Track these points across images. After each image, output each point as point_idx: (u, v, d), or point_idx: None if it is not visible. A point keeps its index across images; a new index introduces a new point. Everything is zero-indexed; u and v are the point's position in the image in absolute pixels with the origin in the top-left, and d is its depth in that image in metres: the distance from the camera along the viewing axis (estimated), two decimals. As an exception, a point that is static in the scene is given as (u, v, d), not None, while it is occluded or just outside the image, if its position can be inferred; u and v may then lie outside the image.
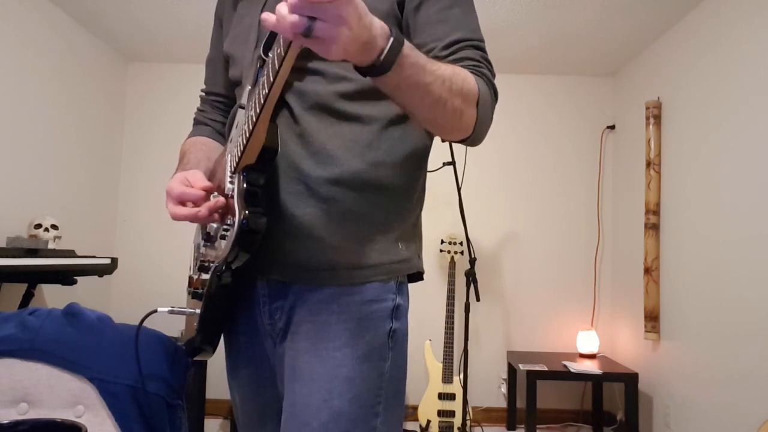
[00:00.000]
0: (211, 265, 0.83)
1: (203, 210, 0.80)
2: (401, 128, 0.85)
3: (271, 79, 0.70)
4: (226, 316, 0.91)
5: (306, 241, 0.81)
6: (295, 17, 0.54)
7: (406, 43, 0.65)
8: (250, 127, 0.76)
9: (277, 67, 0.67)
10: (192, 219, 0.80)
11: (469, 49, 0.82)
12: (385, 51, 0.62)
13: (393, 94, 0.70)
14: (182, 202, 0.82)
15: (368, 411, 0.80)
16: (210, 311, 0.86)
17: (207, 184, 0.84)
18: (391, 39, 0.63)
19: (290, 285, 0.83)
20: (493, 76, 0.82)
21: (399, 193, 0.84)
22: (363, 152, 0.81)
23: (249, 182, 0.78)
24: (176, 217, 0.81)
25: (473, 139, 0.79)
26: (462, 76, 0.73)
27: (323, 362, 0.79)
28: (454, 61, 0.78)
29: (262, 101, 0.73)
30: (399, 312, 0.86)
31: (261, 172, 0.79)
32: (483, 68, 0.81)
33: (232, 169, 0.82)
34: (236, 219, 0.75)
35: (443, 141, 0.88)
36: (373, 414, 0.80)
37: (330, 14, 0.54)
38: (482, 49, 0.84)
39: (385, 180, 0.82)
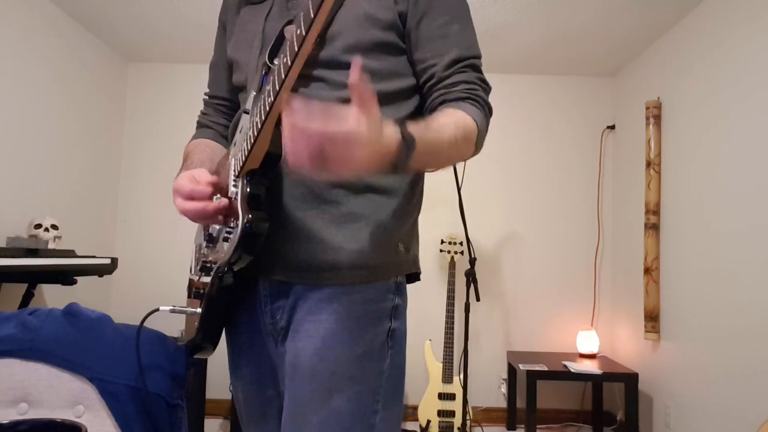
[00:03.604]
0: (213, 266, 0.85)
1: (211, 206, 0.81)
2: None
3: (277, 88, 0.71)
4: (227, 315, 0.93)
5: (308, 242, 0.82)
6: (308, 157, 0.57)
7: (416, 133, 0.67)
8: (255, 133, 0.77)
9: (283, 76, 0.69)
10: (199, 212, 0.82)
11: (467, 71, 0.86)
12: (401, 159, 0.65)
13: (410, 170, 0.74)
14: (191, 198, 0.83)
15: (367, 409, 0.81)
16: (211, 310, 0.88)
17: (212, 178, 0.85)
18: (402, 145, 0.65)
19: (292, 285, 0.85)
20: (488, 93, 0.87)
21: (399, 195, 0.87)
22: None
23: (252, 186, 0.80)
24: (184, 211, 0.82)
25: (473, 156, 0.85)
26: (463, 124, 0.78)
27: (323, 360, 0.81)
28: (451, 85, 0.84)
29: (267, 108, 0.74)
30: (398, 312, 0.87)
31: (264, 176, 0.81)
32: (478, 90, 0.85)
33: (236, 173, 0.83)
34: (240, 222, 0.76)
35: None
36: (372, 412, 0.82)
37: (340, 148, 0.57)
38: (478, 68, 0.88)
39: (385, 183, 0.85)
